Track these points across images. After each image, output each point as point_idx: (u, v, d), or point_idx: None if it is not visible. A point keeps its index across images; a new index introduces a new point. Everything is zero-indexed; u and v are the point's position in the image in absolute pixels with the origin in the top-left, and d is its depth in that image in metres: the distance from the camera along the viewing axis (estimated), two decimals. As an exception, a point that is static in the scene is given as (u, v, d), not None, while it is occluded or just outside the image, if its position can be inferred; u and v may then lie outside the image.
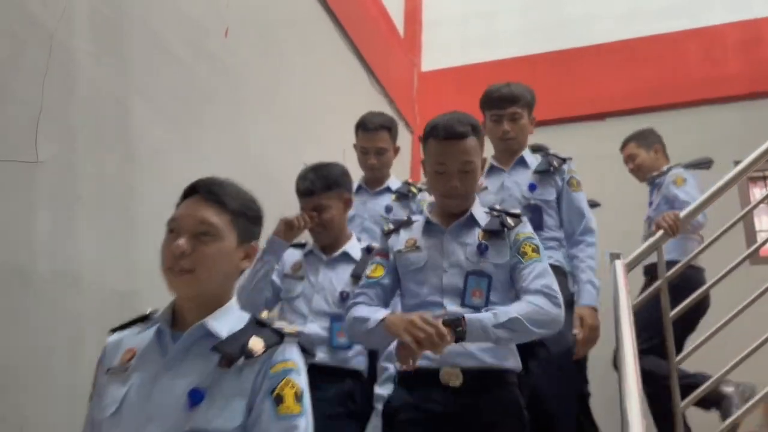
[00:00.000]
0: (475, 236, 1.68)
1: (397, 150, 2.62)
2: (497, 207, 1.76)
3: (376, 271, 1.75)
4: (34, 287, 1.63)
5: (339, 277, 2.09)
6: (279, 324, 1.23)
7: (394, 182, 2.63)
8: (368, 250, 2.13)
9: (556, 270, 2.15)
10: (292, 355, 1.18)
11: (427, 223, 1.75)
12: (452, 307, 1.59)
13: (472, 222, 1.70)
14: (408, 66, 5.07)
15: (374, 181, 2.62)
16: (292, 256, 2.19)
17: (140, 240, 2.03)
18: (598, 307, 2.07)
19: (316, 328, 2.00)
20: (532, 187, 2.24)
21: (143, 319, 1.28)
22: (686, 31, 4.49)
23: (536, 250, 1.64)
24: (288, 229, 2.08)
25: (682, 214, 2.41)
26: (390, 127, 2.55)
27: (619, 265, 2.23)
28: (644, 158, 3.20)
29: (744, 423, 2.19)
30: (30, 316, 1.62)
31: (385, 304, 1.71)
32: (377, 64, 4.25)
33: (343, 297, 2.03)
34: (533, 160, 2.31)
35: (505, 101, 2.27)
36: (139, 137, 2.05)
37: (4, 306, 1.56)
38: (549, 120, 4.56)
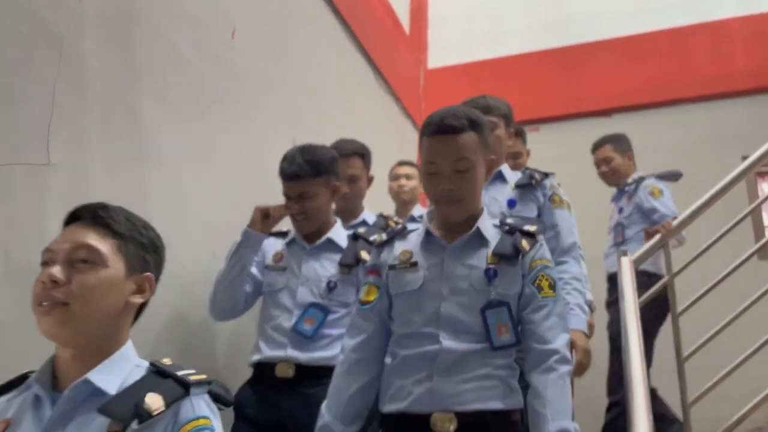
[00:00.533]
0: (483, 258, 1.44)
1: (370, 180, 2.43)
2: (509, 220, 1.52)
3: (369, 293, 1.52)
4: (46, 287, 1.66)
5: (324, 266, 1.97)
6: (184, 371, 1.01)
7: (369, 216, 2.41)
8: (355, 237, 1.99)
9: None
10: (202, 411, 0.97)
11: (427, 235, 1.51)
12: (448, 342, 1.38)
13: (480, 239, 1.47)
14: (414, 64, 5.07)
15: (347, 213, 2.37)
16: (273, 245, 2.07)
17: (150, 240, 2.05)
18: (587, 332, 1.94)
19: (302, 323, 1.89)
20: (511, 203, 2.08)
21: (21, 381, 1.05)
22: (693, 25, 4.47)
23: (553, 286, 1.43)
24: (263, 219, 1.94)
25: (675, 222, 2.43)
26: (363, 154, 2.38)
27: (626, 262, 2.23)
28: (619, 163, 3.14)
29: (750, 419, 2.18)
30: (43, 316, 1.64)
31: (385, 333, 1.51)
32: (383, 63, 4.26)
33: (330, 287, 1.92)
34: (512, 175, 2.17)
35: (480, 111, 2.17)
36: (148, 138, 2.08)
37: (17, 307, 1.58)
38: (555, 116, 4.57)
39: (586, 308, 1.96)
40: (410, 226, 1.62)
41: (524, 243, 1.44)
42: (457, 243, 1.46)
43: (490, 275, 1.40)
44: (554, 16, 4.98)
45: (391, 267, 1.50)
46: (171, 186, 2.16)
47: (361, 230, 2.02)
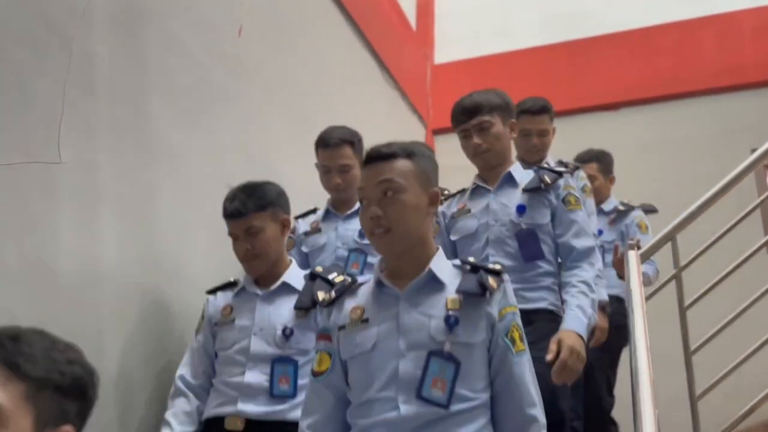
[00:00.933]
0: (442, 304, 1.28)
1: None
2: (470, 259, 1.38)
3: (321, 363, 1.36)
4: (58, 283, 1.68)
5: (279, 312, 1.82)
6: None
7: None
8: (312, 277, 1.81)
9: (553, 316, 1.84)
10: None
11: (378, 285, 1.35)
12: (408, 407, 1.22)
13: (435, 282, 1.31)
14: (421, 59, 5.07)
15: (342, 204, 2.33)
16: (221, 299, 1.92)
17: (159, 236, 2.08)
18: (582, 334, 1.68)
19: (257, 375, 1.75)
20: (520, 209, 1.89)
21: None
22: (701, 18, 4.45)
23: (522, 337, 1.32)
24: None
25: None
26: (353, 142, 2.28)
27: (633, 255, 2.23)
28: (601, 184, 3.03)
29: (757, 412, 2.18)
30: (54, 312, 1.67)
31: (345, 406, 1.34)
32: (390, 58, 4.26)
33: (286, 334, 1.77)
34: (524, 176, 1.97)
35: (467, 113, 1.96)
36: (156, 137, 2.10)
37: (30, 302, 1.61)
38: (562, 111, 4.54)
39: (589, 311, 1.75)
40: (361, 278, 1.46)
41: (491, 280, 1.29)
42: (410, 288, 1.30)
43: (450, 323, 1.25)
44: (561, 10, 4.96)
45: (341, 328, 1.34)
46: (179, 183, 2.19)
47: (319, 269, 1.83)
